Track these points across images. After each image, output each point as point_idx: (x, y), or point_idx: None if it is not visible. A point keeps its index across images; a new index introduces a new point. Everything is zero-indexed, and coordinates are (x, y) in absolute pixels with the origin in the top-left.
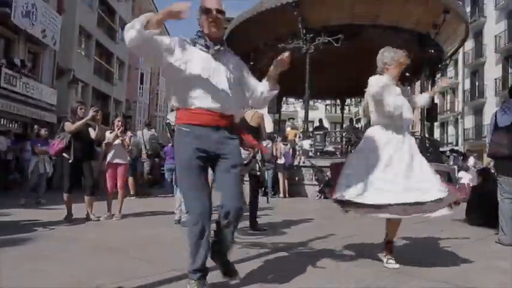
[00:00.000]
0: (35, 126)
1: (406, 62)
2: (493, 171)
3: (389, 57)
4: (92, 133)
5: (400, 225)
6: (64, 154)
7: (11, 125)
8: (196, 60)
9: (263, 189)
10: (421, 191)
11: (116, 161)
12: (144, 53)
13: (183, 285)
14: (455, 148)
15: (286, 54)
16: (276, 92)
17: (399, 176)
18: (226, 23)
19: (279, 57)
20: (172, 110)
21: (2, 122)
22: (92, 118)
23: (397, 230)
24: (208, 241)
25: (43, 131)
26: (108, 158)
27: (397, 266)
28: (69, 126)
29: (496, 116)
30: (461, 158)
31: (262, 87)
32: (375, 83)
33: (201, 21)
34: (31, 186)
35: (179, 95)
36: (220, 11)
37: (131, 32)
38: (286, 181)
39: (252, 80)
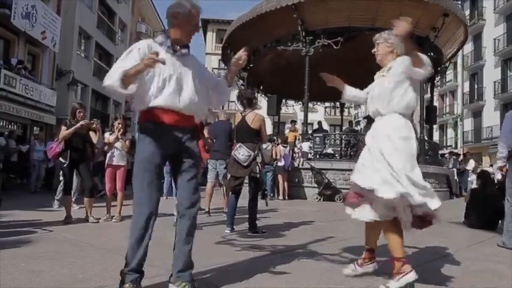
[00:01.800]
0: (35, 128)
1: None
2: (493, 174)
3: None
4: (94, 138)
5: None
6: (60, 158)
7: (10, 126)
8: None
9: (262, 191)
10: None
11: (116, 162)
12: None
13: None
14: (455, 151)
15: (242, 51)
16: (231, 90)
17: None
18: (226, 25)
19: (236, 56)
20: None
21: (1, 124)
22: (81, 127)
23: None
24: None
25: None
26: (108, 159)
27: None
28: (61, 132)
29: None
30: (461, 159)
31: (220, 86)
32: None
33: (178, 25)
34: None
35: (147, 95)
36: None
37: (109, 86)
38: (285, 183)
39: (213, 80)
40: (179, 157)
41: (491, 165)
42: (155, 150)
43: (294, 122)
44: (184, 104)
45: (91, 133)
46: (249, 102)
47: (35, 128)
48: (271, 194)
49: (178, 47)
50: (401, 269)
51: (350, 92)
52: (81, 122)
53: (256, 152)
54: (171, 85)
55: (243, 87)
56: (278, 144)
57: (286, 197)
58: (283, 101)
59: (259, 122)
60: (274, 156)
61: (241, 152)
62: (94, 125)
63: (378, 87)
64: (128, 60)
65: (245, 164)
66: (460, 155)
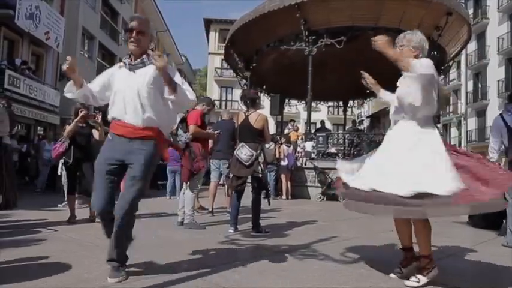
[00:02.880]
0: (38, 128)
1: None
2: None
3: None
4: (96, 134)
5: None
6: (64, 158)
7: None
8: (116, 80)
9: (265, 191)
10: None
11: None
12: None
13: (189, 287)
14: None
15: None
16: (174, 96)
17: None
18: (229, 25)
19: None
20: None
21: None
22: (83, 119)
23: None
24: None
25: None
26: None
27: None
28: (66, 130)
29: (504, 120)
30: None
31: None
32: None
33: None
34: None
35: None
36: (140, 32)
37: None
38: (289, 183)
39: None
40: (126, 166)
41: None
42: (103, 159)
43: (293, 121)
44: (133, 115)
45: (93, 131)
46: (252, 103)
47: (38, 127)
48: (274, 194)
49: (128, 61)
50: (428, 265)
51: (384, 96)
52: (83, 112)
53: (258, 152)
54: (120, 98)
55: (246, 87)
56: (281, 144)
57: (290, 197)
58: (286, 100)
59: (262, 122)
60: (277, 155)
61: (243, 152)
62: (95, 118)
63: None
64: None
65: (247, 164)
66: None
